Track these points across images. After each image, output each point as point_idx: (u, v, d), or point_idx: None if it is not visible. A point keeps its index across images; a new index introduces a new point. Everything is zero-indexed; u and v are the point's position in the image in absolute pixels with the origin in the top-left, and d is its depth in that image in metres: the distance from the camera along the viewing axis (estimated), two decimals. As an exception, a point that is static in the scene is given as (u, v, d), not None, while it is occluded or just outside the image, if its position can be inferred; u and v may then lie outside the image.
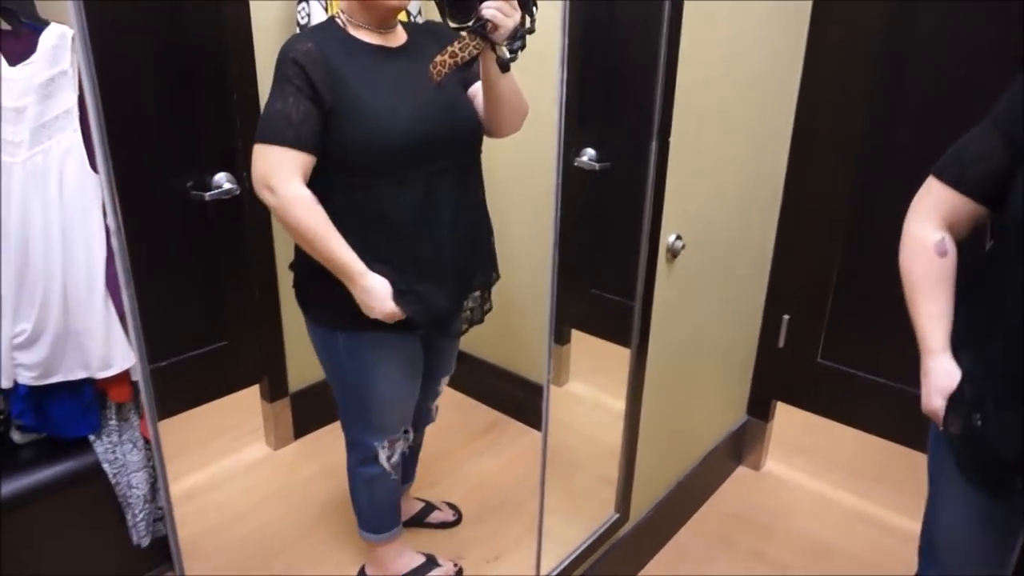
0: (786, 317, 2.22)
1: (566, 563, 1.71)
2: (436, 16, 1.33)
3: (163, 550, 1.68)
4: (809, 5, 1.93)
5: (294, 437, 2.33)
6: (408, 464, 1.85)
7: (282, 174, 1.25)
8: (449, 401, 1.79)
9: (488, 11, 1.20)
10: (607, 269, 2.10)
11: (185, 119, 1.84)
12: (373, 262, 1.34)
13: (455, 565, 1.83)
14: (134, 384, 1.56)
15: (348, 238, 1.31)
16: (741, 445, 2.42)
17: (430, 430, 1.85)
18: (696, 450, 2.20)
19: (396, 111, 1.31)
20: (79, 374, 1.47)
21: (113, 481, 1.60)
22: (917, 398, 1.16)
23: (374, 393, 1.52)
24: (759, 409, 2.38)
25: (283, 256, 1.94)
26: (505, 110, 1.40)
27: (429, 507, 2.01)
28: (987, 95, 1.10)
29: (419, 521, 1.98)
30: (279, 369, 2.20)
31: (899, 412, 1.94)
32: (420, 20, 2.00)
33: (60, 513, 1.57)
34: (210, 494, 2.10)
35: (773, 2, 1.79)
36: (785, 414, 2.37)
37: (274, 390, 2.23)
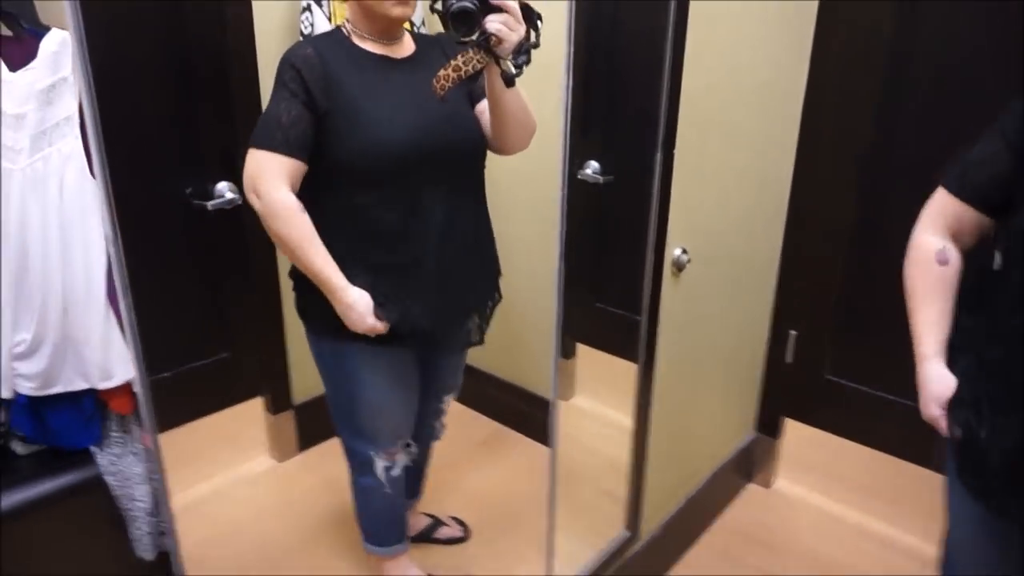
0: (793, 332, 2.20)
1: (576, 582, 1.68)
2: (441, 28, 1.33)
3: (167, 563, 1.67)
4: (815, 6, 1.90)
5: (298, 449, 2.33)
6: (413, 479, 1.84)
7: (269, 179, 1.26)
8: (450, 412, 1.78)
9: (492, 25, 1.19)
10: (612, 282, 2.08)
11: (187, 126, 1.85)
12: (357, 270, 1.33)
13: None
14: (136, 395, 1.56)
15: (336, 245, 1.31)
16: (751, 462, 2.39)
17: (433, 442, 1.84)
18: (705, 467, 2.17)
19: (391, 121, 1.30)
20: (79, 385, 1.46)
21: (116, 494, 1.59)
22: (922, 412, 1.15)
23: (361, 400, 1.51)
24: (768, 426, 2.35)
25: (286, 266, 1.94)
26: (511, 126, 1.38)
27: (437, 523, 1.99)
28: (1000, 99, 1.09)
29: (426, 537, 1.97)
30: (282, 381, 2.20)
31: (909, 429, 1.89)
32: (424, 30, 2.00)
33: (62, 525, 1.56)
34: (214, 506, 2.09)
35: (777, 2, 1.76)
36: (796, 430, 2.34)
37: (277, 402, 2.22)
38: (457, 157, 1.39)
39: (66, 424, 1.50)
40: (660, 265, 1.60)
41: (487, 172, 1.48)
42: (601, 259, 2.09)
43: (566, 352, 2.20)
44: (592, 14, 1.73)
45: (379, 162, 1.30)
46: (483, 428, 2.51)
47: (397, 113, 1.32)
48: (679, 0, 1.40)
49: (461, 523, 2.01)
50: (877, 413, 2.08)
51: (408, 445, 1.63)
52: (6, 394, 1.42)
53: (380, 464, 1.59)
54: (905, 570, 2.02)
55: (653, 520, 1.93)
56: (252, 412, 2.23)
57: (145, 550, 1.64)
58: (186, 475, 2.08)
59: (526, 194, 2.12)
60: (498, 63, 1.25)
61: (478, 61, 1.23)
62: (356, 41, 1.36)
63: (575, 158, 1.37)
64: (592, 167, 1.92)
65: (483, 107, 1.42)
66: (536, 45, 1.25)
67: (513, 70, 1.25)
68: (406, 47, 1.41)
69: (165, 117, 1.80)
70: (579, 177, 1.91)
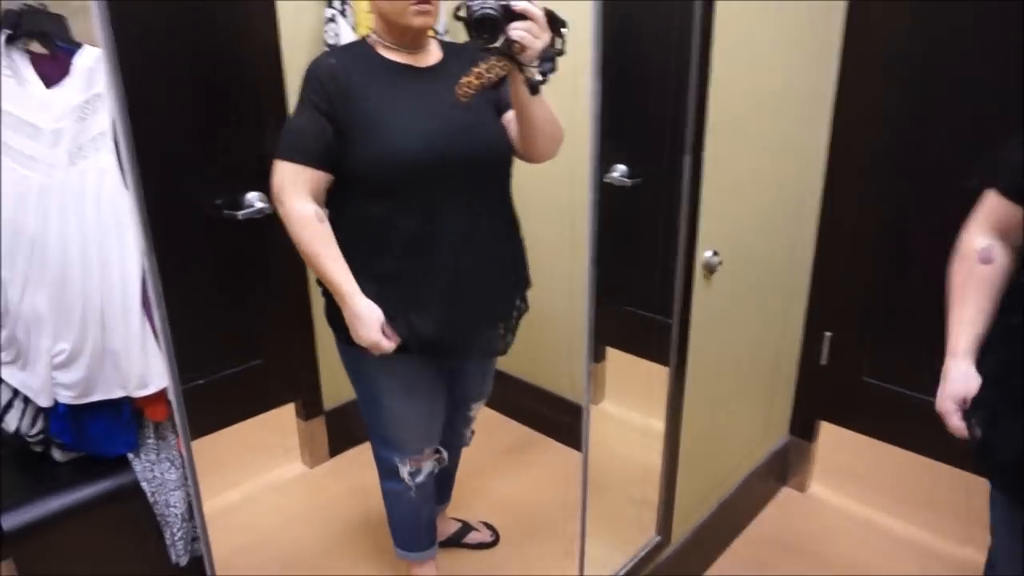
0: (828, 334, 2.16)
1: (608, 587, 1.67)
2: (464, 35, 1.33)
3: (200, 568, 1.69)
4: (843, 6, 1.87)
5: (329, 455, 2.34)
6: (442, 485, 1.84)
7: (291, 189, 1.28)
8: (478, 417, 1.78)
9: (516, 32, 1.18)
10: (641, 286, 2.06)
11: (216, 138, 1.87)
12: (370, 279, 1.33)
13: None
14: (170, 403, 1.58)
15: (353, 253, 1.32)
16: (785, 466, 2.35)
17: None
18: (738, 471, 2.14)
19: (407, 130, 1.30)
20: (117, 393, 1.48)
21: (151, 500, 1.62)
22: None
23: (384, 407, 1.52)
24: (803, 429, 2.31)
25: (314, 274, 1.96)
26: (538, 135, 1.37)
27: (466, 527, 1.99)
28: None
29: (456, 542, 1.97)
30: (313, 387, 2.22)
31: (948, 431, 1.86)
32: (447, 38, 2.01)
33: (100, 531, 1.58)
34: (246, 512, 2.11)
35: (805, 2, 1.74)
36: (833, 434, 2.29)
37: (308, 408, 2.24)
38: (479, 166, 1.38)
39: (104, 431, 1.53)
40: (691, 268, 1.59)
41: (514, 175, 1.47)
42: (629, 262, 2.08)
43: (596, 356, 2.19)
44: (617, 16, 1.73)
45: (394, 171, 1.30)
46: (512, 433, 2.51)
47: (415, 122, 1.32)
48: (705, 1, 1.38)
49: (491, 528, 2.01)
50: (915, 415, 2.03)
51: (437, 452, 1.63)
52: (46, 403, 1.45)
53: (406, 470, 1.59)
54: (945, 577, 1.98)
55: (685, 524, 1.91)
56: (284, 418, 2.25)
57: (179, 555, 1.67)
58: (219, 481, 2.11)
59: (554, 198, 2.11)
60: (522, 70, 1.24)
61: (501, 68, 1.23)
62: (381, 51, 1.36)
63: (602, 162, 1.37)
64: (619, 170, 1.90)
65: (510, 116, 1.41)
66: (561, 52, 1.24)
67: (538, 77, 1.24)
68: (431, 56, 1.41)
69: (195, 130, 1.83)
70: (606, 180, 1.90)
